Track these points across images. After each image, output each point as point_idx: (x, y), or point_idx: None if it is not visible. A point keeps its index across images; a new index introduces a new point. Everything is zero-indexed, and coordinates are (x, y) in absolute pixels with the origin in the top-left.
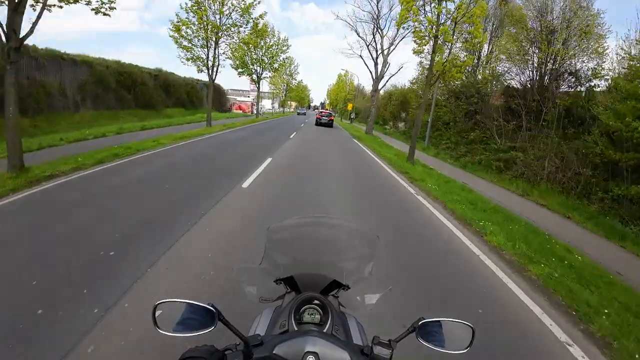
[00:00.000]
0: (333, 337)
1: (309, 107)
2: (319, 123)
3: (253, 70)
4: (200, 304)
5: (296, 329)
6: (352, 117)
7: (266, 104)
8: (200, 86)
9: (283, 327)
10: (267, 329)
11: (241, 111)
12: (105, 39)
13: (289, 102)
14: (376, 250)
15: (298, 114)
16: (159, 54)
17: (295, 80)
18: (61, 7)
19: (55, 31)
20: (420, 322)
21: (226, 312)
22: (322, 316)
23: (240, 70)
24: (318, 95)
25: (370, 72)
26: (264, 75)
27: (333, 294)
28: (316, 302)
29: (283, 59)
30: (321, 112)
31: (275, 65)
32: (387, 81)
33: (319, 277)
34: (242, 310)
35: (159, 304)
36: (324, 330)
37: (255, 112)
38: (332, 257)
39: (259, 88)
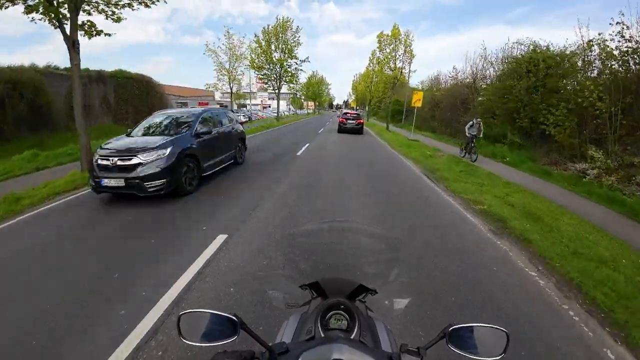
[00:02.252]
0: (360, 344)
1: (331, 106)
2: (342, 129)
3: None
4: (223, 314)
5: (323, 335)
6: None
7: (274, 105)
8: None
9: (309, 333)
10: (294, 335)
11: None
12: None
13: (304, 102)
14: (400, 254)
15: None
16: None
17: (297, 60)
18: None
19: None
20: (450, 328)
21: None
22: (349, 322)
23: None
24: (339, 97)
25: None
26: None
27: (360, 299)
28: (343, 307)
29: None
30: (345, 113)
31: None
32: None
33: (345, 282)
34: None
35: (183, 314)
36: (351, 337)
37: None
38: (357, 261)
39: (279, 88)
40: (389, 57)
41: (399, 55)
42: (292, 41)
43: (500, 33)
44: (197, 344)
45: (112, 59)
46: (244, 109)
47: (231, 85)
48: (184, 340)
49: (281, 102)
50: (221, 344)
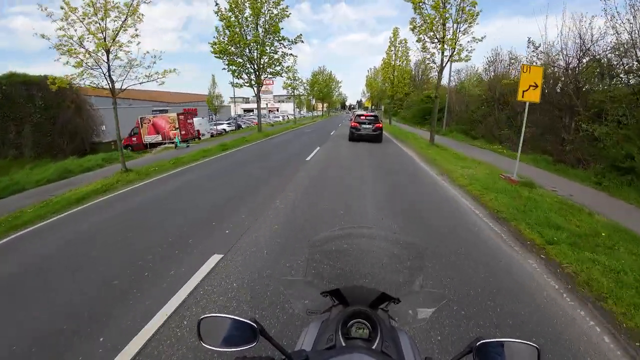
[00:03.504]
0: (382, 354)
1: (343, 107)
2: (355, 136)
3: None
4: (243, 320)
5: (344, 344)
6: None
7: (284, 108)
8: None
9: (330, 341)
10: (314, 343)
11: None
12: None
13: (312, 103)
14: (425, 262)
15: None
16: None
17: (284, 42)
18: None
19: None
20: (478, 343)
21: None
22: (370, 331)
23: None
24: (352, 98)
25: None
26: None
27: (382, 308)
28: (364, 316)
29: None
30: (359, 115)
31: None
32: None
33: (367, 290)
34: None
35: (203, 318)
36: (373, 347)
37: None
38: (380, 269)
39: (259, 83)
40: (432, 21)
41: (451, 18)
42: (275, 12)
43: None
44: (216, 349)
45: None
46: (239, 116)
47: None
48: (204, 345)
49: (288, 105)
50: (240, 349)
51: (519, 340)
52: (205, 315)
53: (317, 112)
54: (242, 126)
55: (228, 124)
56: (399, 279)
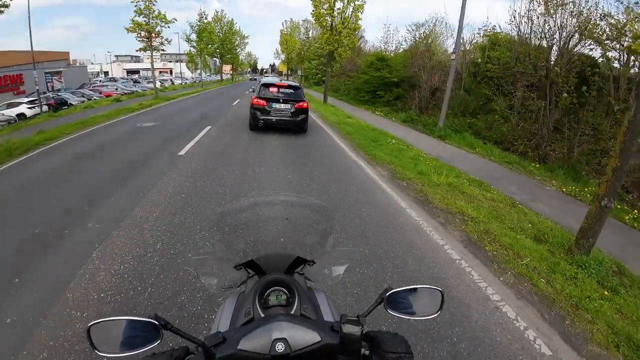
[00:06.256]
0: (301, 318)
1: (255, 70)
2: (260, 124)
3: None
4: (141, 319)
5: (262, 315)
6: None
7: (182, 69)
8: None
9: (248, 314)
10: (232, 319)
11: None
12: None
13: (208, 64)
14: (334, 223)
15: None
16: None
17: None
18: None
19: None
20: (387, 293)
21: None
22: (288, 297)
23: None
24: (265, 62)
25: None
26: None
27: (298, 272)
28: (281, 282)
29: None
30: (268, 86)
31: None
32: None
33: (281, 256)
34: None
35: (92, 325)
36: (292, 312)
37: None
38: (292, 234)
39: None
40: None
41: None
42: None
43: None
44: (115, 355)
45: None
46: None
47: None
48: (99, 353)
49: (180, 65)
50: (145, 349)
51: (425, 286)
52: (95, 322)
53: (227, 76)
54: (74, 103)
55: (33, 101)
56: (312, 241)
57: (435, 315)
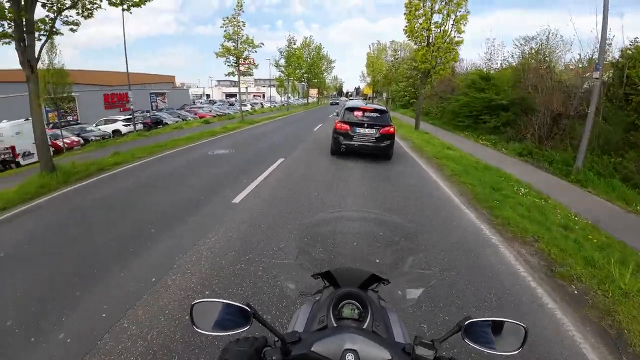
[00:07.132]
0: (373, 334)
1: (340, 93)
2: (341, 149)
3: None
4: (236, 304)
5: (335, 325)
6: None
7: (273, 94)
8: None
9: (322, 322)
10: (306, 324)
11: None
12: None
13: (296, 88)
14: (417, 244)
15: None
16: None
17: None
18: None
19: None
20: (466, 322)
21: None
22: (361, 312)
23: None
24: (351, 85)
25: None
26: None
27: (372, 289)
28: (355, 297)
29: None
30: (352, 110)
31: None
32: None
33: (357, 271)
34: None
35: (195, 304)
36: (364, 327)
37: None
38: (370, 250)
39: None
40: None
41: None
42: None
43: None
44: (209, 333)
45: (114, 56)
46: (201, 101)
47: None
48: (196, 329)
49: (270, 89)
50: (233, 333)
51: (507, 319)
52: (198, 301)
53: (313, 99)
54: (169, 122)
55: (129, 119)
56: (389, 260)
57: (515, 352)
